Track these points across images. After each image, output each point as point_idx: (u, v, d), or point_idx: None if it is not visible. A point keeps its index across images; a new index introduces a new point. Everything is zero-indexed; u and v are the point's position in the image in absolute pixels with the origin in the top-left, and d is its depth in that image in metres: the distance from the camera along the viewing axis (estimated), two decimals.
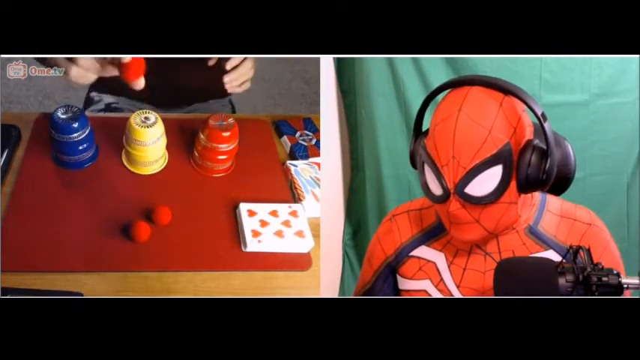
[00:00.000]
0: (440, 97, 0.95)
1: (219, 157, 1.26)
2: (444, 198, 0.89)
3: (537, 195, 0.97)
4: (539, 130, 0.90)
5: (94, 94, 1.59)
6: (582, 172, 1.81)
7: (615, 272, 0.79)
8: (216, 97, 1.67)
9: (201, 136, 1.25)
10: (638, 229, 1.88)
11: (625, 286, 0.79)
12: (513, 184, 0.88)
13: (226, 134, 1.22)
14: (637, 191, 1.89)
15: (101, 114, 1.50)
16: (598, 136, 1.86)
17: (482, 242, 0.96)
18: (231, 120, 1.24)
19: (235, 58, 1.37)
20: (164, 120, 1.22)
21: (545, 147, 0.87)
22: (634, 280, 0.79)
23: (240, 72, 1.37)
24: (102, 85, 1.62)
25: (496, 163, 0.86)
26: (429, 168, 0.90)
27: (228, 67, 1.36)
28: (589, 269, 0.79)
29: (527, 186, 0.88)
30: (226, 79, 1.37)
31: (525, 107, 0.90)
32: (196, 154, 1.28)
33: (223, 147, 1.24)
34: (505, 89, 0.88)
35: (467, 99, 0.87)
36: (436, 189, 0.90)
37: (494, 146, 0.86)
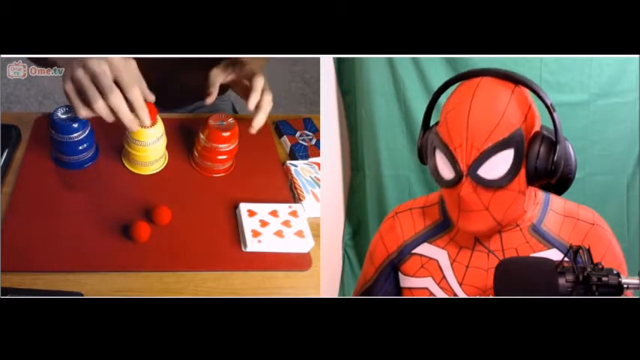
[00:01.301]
0: (443, 97, 0.96)
1: (219, 157, 1.26)
2: (456, 181, 0.90)
3: (541, 194, 0.98)
4: (545, 128, 0.91)
5: None
6: (582, 172, 1.81)
7: (615, 272, 0.79)
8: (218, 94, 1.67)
9: (201, 136, 1.25)
10: (638, 229, 1.88)
11: (625, 286, 0.79)
12: (523, 172, 0.89)
13: (226, 134, 1.22)
14: (637, 191, 1.89)
15: None
16: (598, 136, 1.86)
17: (486, 237, 0.97)
18: (231, 120, 1.24)
19: (254, 95, 1.25)
20: (164, 120, 1.22)
21: (553, 138, 0.88)
22: (634, 280, 0.79)
23: (264, 110, 1.27)
24: None
25: (508, 146, 0.87)
26: (441, 152, 0.91)
27: (251, 106, 1.25)
28: (589, 269, 0.79)
29: (535, 176, 0.89)
30: (254, 122, 1.25)
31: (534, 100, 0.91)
32: (196, 154, 1.28)
33: (223, 147, 1.24)
34: (516, 79, 0.90)
35: (480, 87, 0.89)
36: (448, 173, 0.91)
37: (507, 130, 0.87)
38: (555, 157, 0.87)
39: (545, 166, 0.88)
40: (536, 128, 0.91)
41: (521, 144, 0.88)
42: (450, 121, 0.90)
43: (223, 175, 1.29)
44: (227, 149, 1.24)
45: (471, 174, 0.89)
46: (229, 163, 1.29)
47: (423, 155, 0.98)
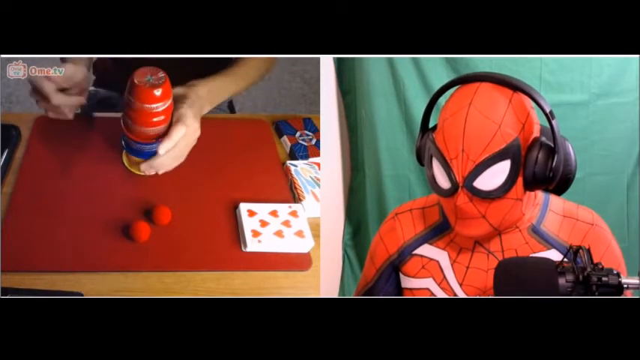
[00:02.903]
0: (442, 97, 0.96)
1: (155, 120, 1.11)
2: (452, 191, 0.90)
3: (540, 194, 0.98)
4: (544, 130, 0.91)
5: (91, 88, 1.59)
6: (582, 172, 1.81)
7: (615, 272, 0.79)
8: None
9: (130, 98, 1.09)
10: (638, 229, 1.88)
11: (625, 286, 0.79)
12: (520, 180, 0.89)
13: (158, 92, 1.07)
14: (637, 191, 1.89)
15: (102, 114, 1.50)
16: (598, 136, 1.86)
17: (485, 239, 0.97)
18: (161, 74, 1.09)
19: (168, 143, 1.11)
20: None
21: (551, 145, 0.88)
22: (634, 280, 0.79)
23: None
24: (100, 80, 1.63)
25: (504, 157, 0.87)
26: (438, 162, 0.91)
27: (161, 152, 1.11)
28: (589, 269, 0.79)
29: (533, 183, 0.88)
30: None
31: (533, 105, 0.91)
32: (128, 120, 1.12)
33: (157, 106, 1.09)
34: (514, 86, 0.89)
35: (477, 94, 0.88)
36: (444, 182, 0.91)
37: (504, 141, 0.87)
38: (554, 164, 0.87)
39: (543, 174, 0.88)
40: (535, 134, 0.90)
41: (518, 154, 0.88)
42: (446, 129, 0.90)
43: (155, 143, 1.14)
44: (162, 108, 1.10)
45: (467, 185, 0.88)
46: (166, 125, 1.13)
47: (421, 158, 0.98)
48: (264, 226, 1.14)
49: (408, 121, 1.98)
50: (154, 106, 1.08)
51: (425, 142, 0.95)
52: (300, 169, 1.31)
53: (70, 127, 1.29)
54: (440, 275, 1.00)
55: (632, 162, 1.88)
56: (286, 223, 1.16)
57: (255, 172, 1.31)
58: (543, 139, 0.89)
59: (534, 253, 0.95)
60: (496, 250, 0.97)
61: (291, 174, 1.29)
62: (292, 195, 1.26)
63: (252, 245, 1.11)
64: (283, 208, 1.19)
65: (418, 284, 1.02)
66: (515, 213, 0.92)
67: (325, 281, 1.12)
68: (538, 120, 0.92)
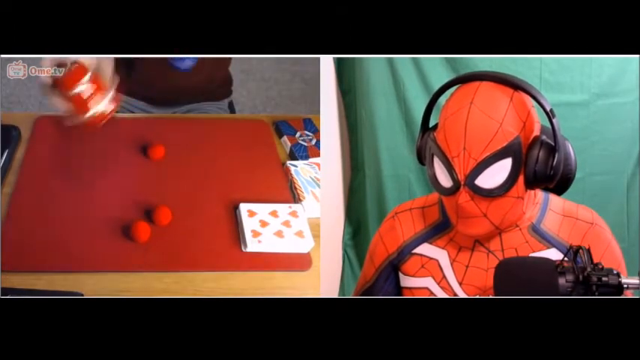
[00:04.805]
0: (442, 96, 0.96)
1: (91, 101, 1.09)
2: (454, 190, 0.90)
3: (540, 194, 0.98)
4: (545, 129, 0.91)
5: None
6: (582, 172, 1.81)
7: (615, 272, 0.79)
8: (213, 99, 1.66)
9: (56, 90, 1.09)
10: (638, 229, 1.88)
11: (625, 286, 0.79)
12: (521, 178, 0.89)
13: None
14: (637, 191, 1.89)
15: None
16: (598, 136, 1.86)
17: (485, 238, 0.97)
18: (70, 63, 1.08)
19: None
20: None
21: (552, 143, 0.88)
22: (634, 280, 0.79)
23: None
24: None
25: (506, 155, 0.87)
26: (439, 160, 0.91)
27: None
28: (589, 269, 0.79)
29: (534, 181, 0.89)
30: None
31: (534, 104, 0.91)
32: (69, 115, 1.12)
33: (82, 88, 1.07)
34: (515, 84, 0.89)
35: (478, 93, 0.88)
36: (446, 181, 0.91)
37: (505, 139, 0.87)
38: (554, 163, 0.87)
39: (544, 173, 0.88)
40: (536, 133, 0.90)
41: (519, 152, 0.88)
42: (447, 128, 0.90)
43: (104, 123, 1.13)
44: (88, 88, 1.08)
45: (469, 183, 0.89)
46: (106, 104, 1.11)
47: (422, 157, 0.98)
48: (264, 227, 1.14)
49: (408, 121, 1.98)
50: (80, 88, 1.07)
51: (426, 142, 0.95)
52: (300, 169, 1.31)
53: (70, 128, 1.29)
54: (439, 274, 1.00)
55: (632, 162, 1.88)
56: (286, 224, 1.16)
57: (255, 172, 1.31)
58: (544, 137, 0.89)
59: (534, 252, 0.95)
60: (496, 249, 0.97)
61: (291, 174, 1.29)
62: (292, 195, 1.26)
63: (252, 245, 1.11)
64: (283, 209, 1.19)
65: (417, 283, 1.02)
66: (516, 211, 0.92)
67: (325, 281, 1.12)
68: (539, 119, 0.92)
